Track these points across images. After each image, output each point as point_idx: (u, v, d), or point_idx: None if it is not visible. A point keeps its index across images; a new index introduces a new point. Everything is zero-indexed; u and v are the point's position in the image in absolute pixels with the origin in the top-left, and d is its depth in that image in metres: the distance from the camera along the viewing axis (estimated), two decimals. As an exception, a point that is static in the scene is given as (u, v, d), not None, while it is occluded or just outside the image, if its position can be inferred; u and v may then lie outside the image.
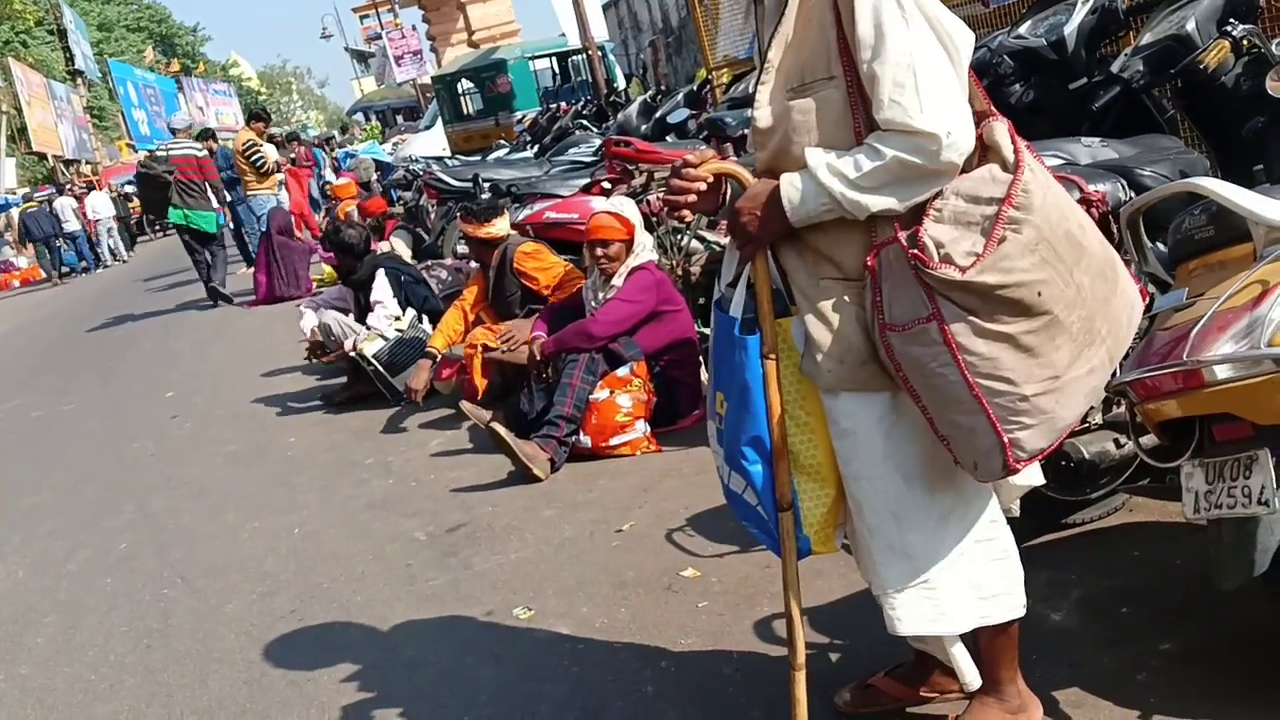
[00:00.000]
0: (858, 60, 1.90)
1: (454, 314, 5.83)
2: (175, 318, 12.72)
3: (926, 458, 2.05)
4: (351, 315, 6.68)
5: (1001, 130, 1.94)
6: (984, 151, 1.95)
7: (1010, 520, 2.23)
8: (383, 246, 8.04)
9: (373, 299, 6.41)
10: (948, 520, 2.09)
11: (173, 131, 13.56)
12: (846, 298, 2.00)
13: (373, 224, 9.14)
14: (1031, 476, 2.19)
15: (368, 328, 6.30)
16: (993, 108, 2.00)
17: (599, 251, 4.91)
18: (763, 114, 2.03)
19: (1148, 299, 2.24)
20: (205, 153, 12.66)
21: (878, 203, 1.91)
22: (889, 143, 1.88)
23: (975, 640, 2.24)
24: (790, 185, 1.97)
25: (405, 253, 8.37)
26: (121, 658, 3.74)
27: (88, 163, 35.07)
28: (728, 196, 2.15)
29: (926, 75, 1.85)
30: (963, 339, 1.87)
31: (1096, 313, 1.94)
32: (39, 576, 4.76)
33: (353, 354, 6.27)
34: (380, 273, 6.51)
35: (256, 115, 13.12)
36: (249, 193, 12.24)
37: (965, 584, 2.11)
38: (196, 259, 12.47)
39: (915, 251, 1.87)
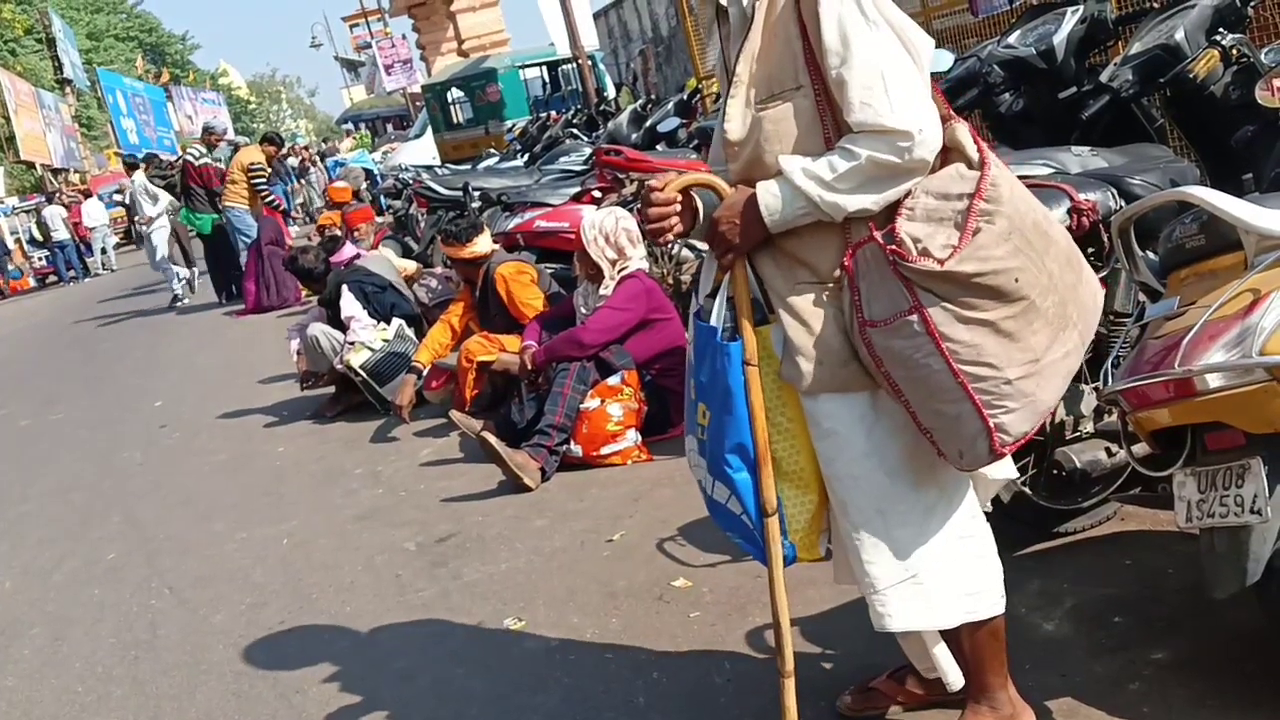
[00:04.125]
0: (825, 68, 1.96)
1: (440, 328, 5.80)
2: (164, 327, 12.69)
3: (908, 453, 2.09)
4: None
5: (963, 131, 2.02)
6: (945, 153, 2.01)
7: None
8: (373, 255, 8.03)
9: (343, 315, 6.39)
10: (932, 514, 2.12)
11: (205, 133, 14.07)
12: (823, 300, 2.05)
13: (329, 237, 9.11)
14: (1006, 470, 2.25)
15: (349, 343, 6.28)
16: (951, 111, 2.06)
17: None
18: (733, 126, 2.08)
19: (1138, 305, 2.25)
20: (204, 159, 12.70)
21: (854, 202, 1.96)
22: (862, 143, 1.93)
23: (961, 648, 2.25)
24: (767, 192, 2.02)
25: (396, 262, 8.35)
26: (109, 669, 3.71)
27: (76, 171, 34.96)
28: (700, 209, 2.18)
29: (894, 77, 1.92)
30: (945, 328, 1.92)
31: (1068, 298, 2.01)
32: (26, 587, 4.73)
33: (341, 368, 6.26)
34: (344, 288, 6.49)
35: (270, 139, 13.12)
36: (227, 203, 12.20)
37: (952, 579, 2.14)
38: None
39: (894, 247, 1.93)
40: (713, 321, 2.15)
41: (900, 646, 2.39)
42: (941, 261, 1.90)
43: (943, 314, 1.92)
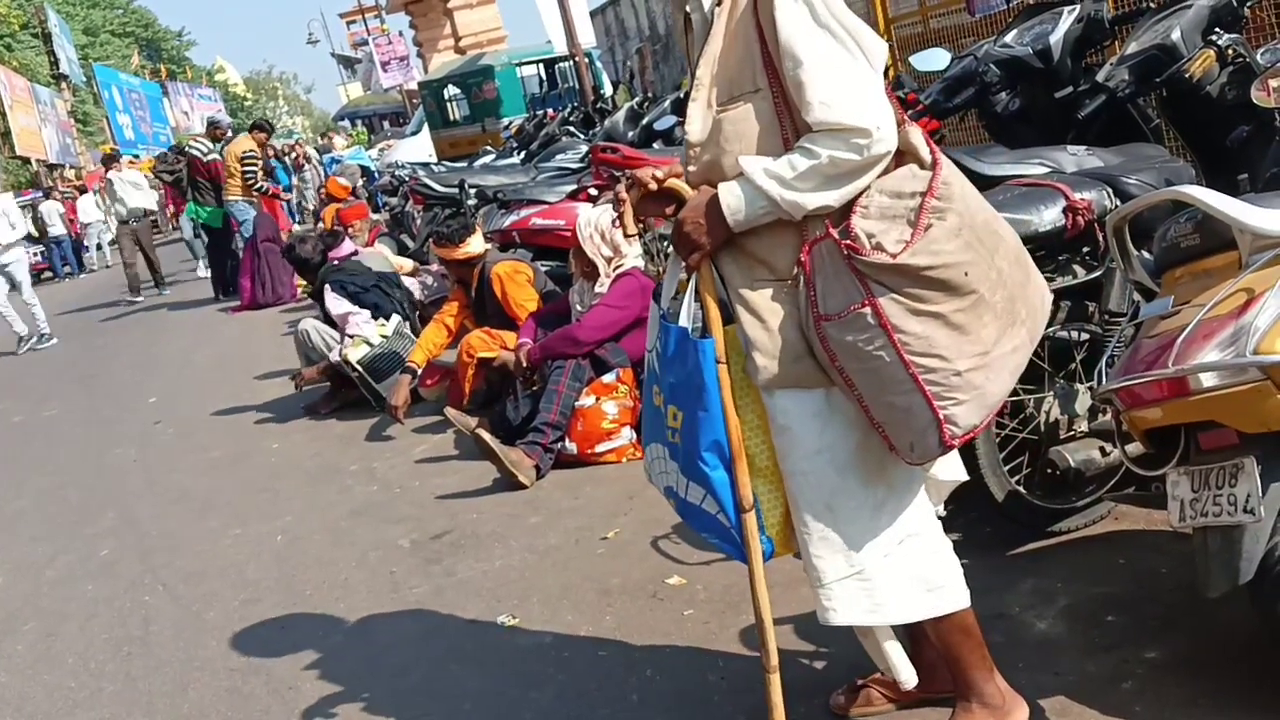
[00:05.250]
0: (783, 70, 2.02)
1: (434, 328, 5.76)
2: (159, 323, 12.67)
3: (860, 451, 2.12)
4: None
5: (916, 134, 2.07)
6: (899, 156, 2.06)
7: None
8: (368, 251, 8.02)
9: (333, 314, 6.38)
10: (880, 512, 2.15)
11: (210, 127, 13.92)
12: (780, 297, 2.09)
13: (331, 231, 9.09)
14: (956, 471, 2.32)
15: (350, 336, 6.26)
16: (905, 115, 2.10)
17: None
18: (694, 128, 2.14)
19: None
20: (212, 154, 12.64)
21: (815, 200, 2.01)
22: (821, 142, 1.98)
23: (938, 651, 2.28)
24: (729, 192, 2.07)
25: (392, 259, 8.34)
26: (102, 665, 3.70)
27: (71, 167, 34.89)
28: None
29: (850, 77, 1.98)
30: (897, 320, 1.96)
31: (1016, 295, 2.07)
32: (19, 582, 4.72)
33: (338, 360, 6.24)
34: (326, 288, 6.46)
35: (259, 126, 13.08)
36: (229, 198, 12.15)
37: (907, 576, 2.17)
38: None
39: (848, 242, 1.98)
40: (682, 322, 2.18)
41: (856, 635, 2.41)
42: (894, 255, 1.95)
43: (895, 306, 1.96)
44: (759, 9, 2.04)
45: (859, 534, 2.14)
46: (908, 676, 2.30)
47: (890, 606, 2.17)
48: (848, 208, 2.02)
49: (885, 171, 2.03)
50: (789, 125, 2.04)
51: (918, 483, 2.19)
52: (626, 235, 2.31)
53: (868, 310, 1.97)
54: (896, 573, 2.15)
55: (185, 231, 15.47)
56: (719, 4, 2.12)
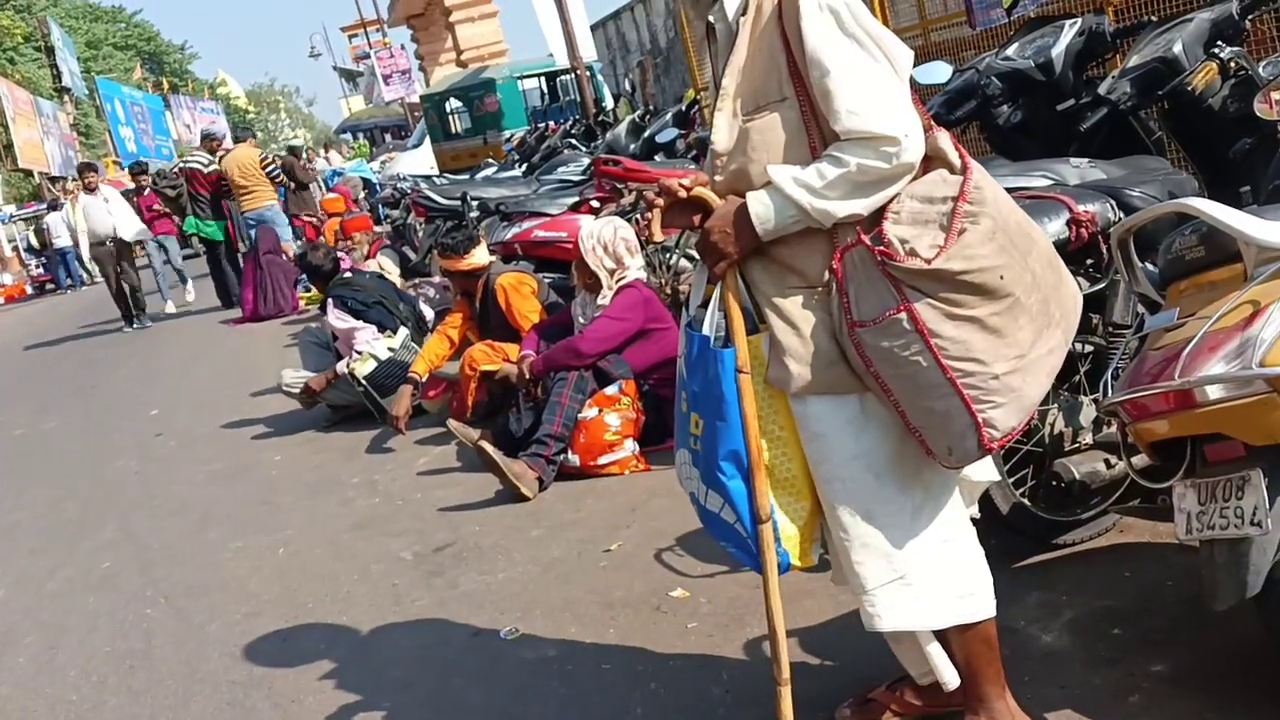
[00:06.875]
0: (810, 79, 2.02)
1: (437, 339, 5.77)
2: (160, 335, 12.67)
3: (896, 455, 2.12)
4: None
5: (945, 139, 2.08)
6: (927, 161, 2.06)
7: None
8: (370, 265, 8.02)
9: (336, 330, 6.41)
10: (919, 516, 2.15)
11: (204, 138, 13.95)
12: (811, 304, 2.09)
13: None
14: (988, 472, 2.31)
15: (357, 352, 6.26)
16: (932, 121, 2.11)
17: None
18: (721, 138, 2.15)
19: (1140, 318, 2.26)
20: (213, 165, 12.65)
21: (844, 208, 2.01)
22: (850, 151, 1.99)
23: (954, 657, 2.26)
24: (758, 201, 2.07)
25: (393, 272, 8.34)
26: (103, 678, 3.69)
27: (73, 180, 34.98)
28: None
29: (878, 86, 1.99)
30: (933, 325, 1.97)
31: (1050, 297, 2.07)
32: (20, 596, 4.71)
33: (345, 373, 6.24)
34: (329, 303, 6.48)
35: (245, 135, 13.19)
36: (260, 206, 12.09)
37: (941, 580, 2.16)
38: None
39: (882, 248, 1.98)
40: (705, 330, 2.19)
41: (890, 644, 2.39)
42: (929, 260, 1.95)
43: (930, 311, 1.97)
44: (784, 18, 2.04)
45: (899, 538, 2.14)
46: (951, 677, 2.28)
47: (933, 611, 2.17)
48: (878, 214, 2.02)
49: (914, 177, 2.03)
50: (816, 134, 2.05)
51: (953, 485, 2.20)
52: (653, 241, 2.32)
53: (903, 315, 1.97)
54: (935, 576, 2.16)
55: (154, 260, 14.69)
56: (744, 14, 2.12)
